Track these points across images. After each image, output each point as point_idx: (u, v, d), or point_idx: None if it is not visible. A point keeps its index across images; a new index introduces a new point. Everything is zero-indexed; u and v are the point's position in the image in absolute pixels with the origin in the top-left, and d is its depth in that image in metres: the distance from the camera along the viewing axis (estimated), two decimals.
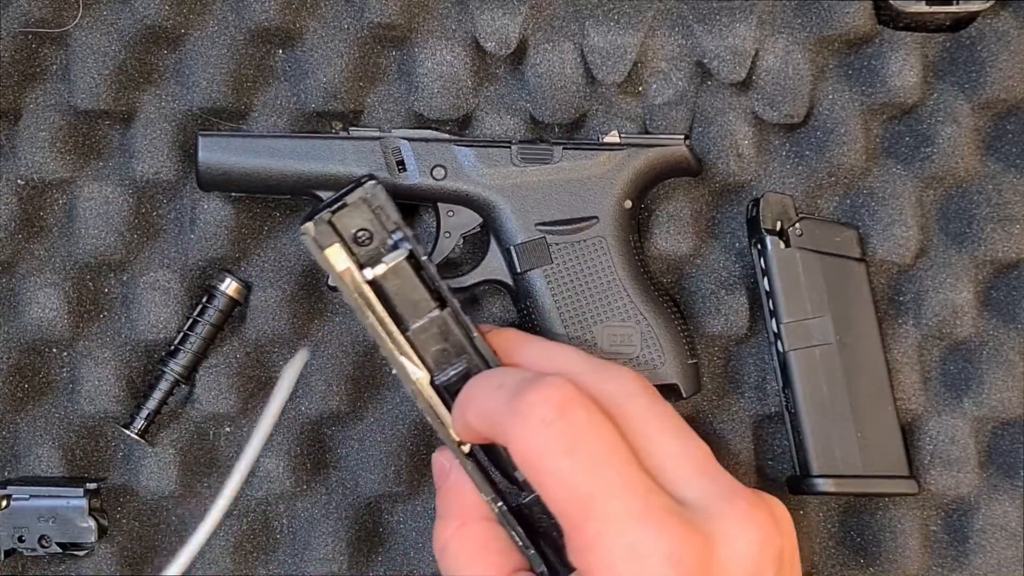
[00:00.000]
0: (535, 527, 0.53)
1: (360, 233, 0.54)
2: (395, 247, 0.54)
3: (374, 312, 0.53)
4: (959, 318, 0.65)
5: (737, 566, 0.46)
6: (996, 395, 0.65)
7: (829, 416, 0.62)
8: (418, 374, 0.54)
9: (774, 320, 0.63)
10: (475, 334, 0.54)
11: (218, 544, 0.65)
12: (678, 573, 0.44)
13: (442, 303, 0.54)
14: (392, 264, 0.53)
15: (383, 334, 0.53)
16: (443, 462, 0.55)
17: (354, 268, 0.53)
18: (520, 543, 0.53)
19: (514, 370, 0.53)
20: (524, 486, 0.53)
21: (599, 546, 0.45)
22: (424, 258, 0.53)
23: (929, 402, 0.66)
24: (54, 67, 0.66)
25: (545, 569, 0.52)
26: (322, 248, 0.53)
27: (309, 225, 0.53)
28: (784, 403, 0.64)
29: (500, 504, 0.53)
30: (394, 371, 0.54)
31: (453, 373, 0.54)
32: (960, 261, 0.66)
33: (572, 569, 0.48)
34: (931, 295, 0.65)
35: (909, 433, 0.65)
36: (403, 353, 0.54)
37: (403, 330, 0.54)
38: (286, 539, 0.66)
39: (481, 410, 0.50)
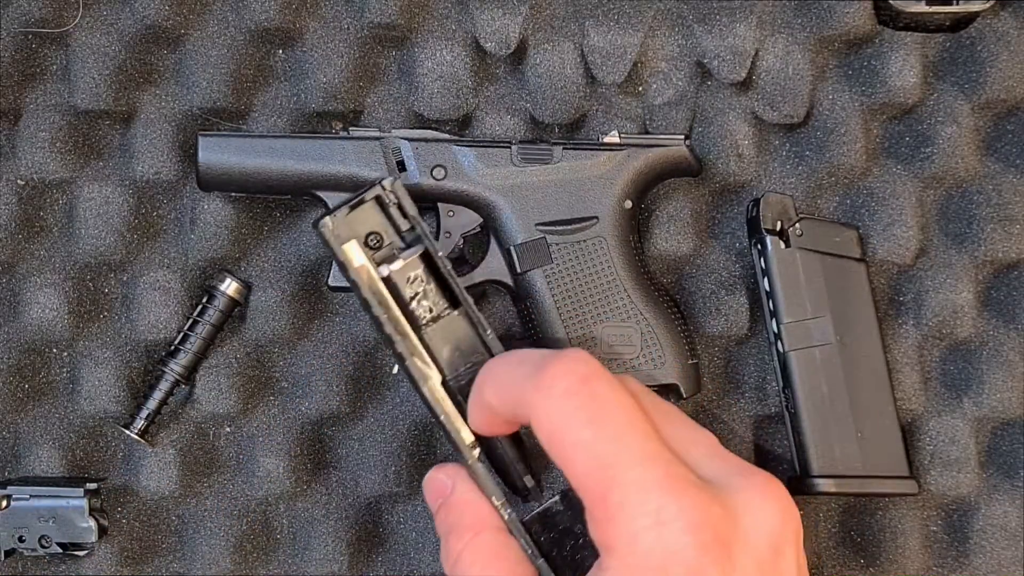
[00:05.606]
0: (540, 544, 0.52)
1: (376, 231, 0.54)
2: (410, 245, 0.54)
3: (388, 310, 0.53)
4: (959, 318, 0.65)
5: (759, 536, 0.46)
6: (996, 395, 0.65)
7: (829, 416, 0.62)
8: (430, 373, 0.53)
9: (774, 320, 0.63)
10: (488, 333, 0.53)
11: (218, 544, 0.65)
12: (700, 540, 0.44)
13: (455, 302, 0.54)
14: (407, 261, 0.53)
15: (396, 332, 0.53)
16: (442, 479, 0.54)
17: (370, 264, 0.53)
18: (529, 551, 0.52)
19: (533, 349, 0.52)
20: (534, 494, 0.53)
21: (622, 516, 0.44)
22: (439, 256, 0.53)
23: (929, 402, 0.66)
24: (54, 67, 0.66)
25: None
26: (340, 243, 0.52)
27: (327, 220, 0.52)
28: (784, 403, 0.64)
29: (510, 511, 0.52)
30: (395, 371, 0.53)
31: (464, 372, 0.54)
32: (960, 261, 0.66)
33: None
34: (931, 295, 0.65)
35: (909, 433, 0.65)
36: (414, 353, 0.53)
37: (416, 328, 0.53)
38: (286, 539, 0.66)
39: (502, 386, 0.49)
